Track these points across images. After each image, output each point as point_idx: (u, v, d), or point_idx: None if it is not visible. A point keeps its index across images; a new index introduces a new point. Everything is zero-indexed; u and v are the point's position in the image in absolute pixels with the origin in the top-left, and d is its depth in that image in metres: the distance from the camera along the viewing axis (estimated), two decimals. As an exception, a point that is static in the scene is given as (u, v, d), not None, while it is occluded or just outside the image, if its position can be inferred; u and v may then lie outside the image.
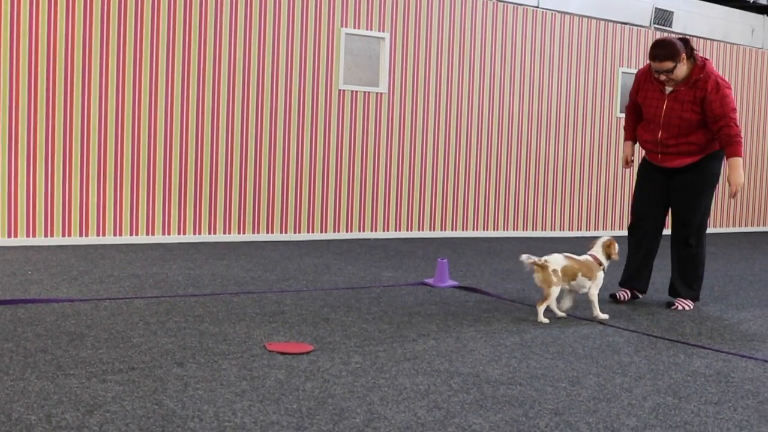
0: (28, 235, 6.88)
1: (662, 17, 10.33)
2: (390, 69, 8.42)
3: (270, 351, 3.75)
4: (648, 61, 5.10)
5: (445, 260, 5.78)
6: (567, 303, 4.80)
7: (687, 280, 5.31)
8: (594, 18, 9.74)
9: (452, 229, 8.96)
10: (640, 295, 5.47)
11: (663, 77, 5.01)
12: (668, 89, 5.09)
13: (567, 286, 4.72)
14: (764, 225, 11.62)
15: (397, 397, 3.15)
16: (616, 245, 4.88)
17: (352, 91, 8.23)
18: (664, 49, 4.94)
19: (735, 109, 5.00)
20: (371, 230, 8.48)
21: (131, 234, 7.28)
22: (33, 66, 6.78)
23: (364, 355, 3.76)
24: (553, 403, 3.17)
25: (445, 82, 8.77)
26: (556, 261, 4.65)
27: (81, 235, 7.08)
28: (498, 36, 9.07)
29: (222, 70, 7.55)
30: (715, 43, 10.77)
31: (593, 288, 4.75)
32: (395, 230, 8.61)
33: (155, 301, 4.76)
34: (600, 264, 4.80)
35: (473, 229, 9.09)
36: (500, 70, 9.11)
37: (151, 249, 6.91)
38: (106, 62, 7.05)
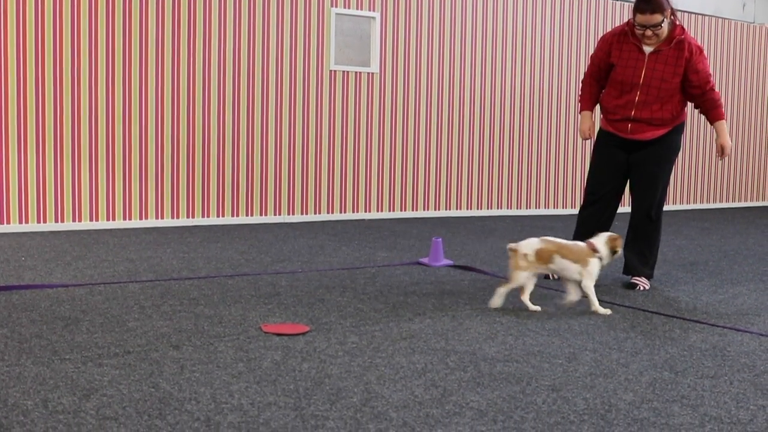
0: (20, 222, 6.86)
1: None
2: (381, 49, 8.38)
3: (266, 332, 3.75)
4: (630, 18, 4.83)
5: (440, 239, 5.78)
6: (573, 295, 4.38)
7: (645, 258, 5.09)
8: (585, -6, 9.71)
9: (446, 209, 8.95)
10: None
11: (649, 32, 4.74)
12: (648, 49, 4.85)
13: (545, 270, 4.38)
14: (757, 200, 11.64)
15: (394, 376, 3.15)
16: (622, 241, 4.49)
17: (343, 72, 8.19)
18: (652, 2, 4.69)
19: None
20: (365, 211, 8.47)
21: (124, 218, 7.26)
22: (21, 53, 6.73)
23: (360, 335, 3.76)
24: (550, 380, 3.17)
25: (436, 61, 8.73)
26: (529, 245, 4.30)
27: (74, 221, 7.06)
28: (489, 13, 9.02)
29: (212, 52, 7.50)
30: (707, 17, 10.73)
31: (586, 279, 4.30)
32: (389, 210, 8.59)
33: (150, 285, 4.75)
34: (595, 251, 4.34)
35: (467, 208, 9.08)
36: (492, 48, 9.07)
37: (144, 233, 6.89)
38: (95, 46, 7.00)
